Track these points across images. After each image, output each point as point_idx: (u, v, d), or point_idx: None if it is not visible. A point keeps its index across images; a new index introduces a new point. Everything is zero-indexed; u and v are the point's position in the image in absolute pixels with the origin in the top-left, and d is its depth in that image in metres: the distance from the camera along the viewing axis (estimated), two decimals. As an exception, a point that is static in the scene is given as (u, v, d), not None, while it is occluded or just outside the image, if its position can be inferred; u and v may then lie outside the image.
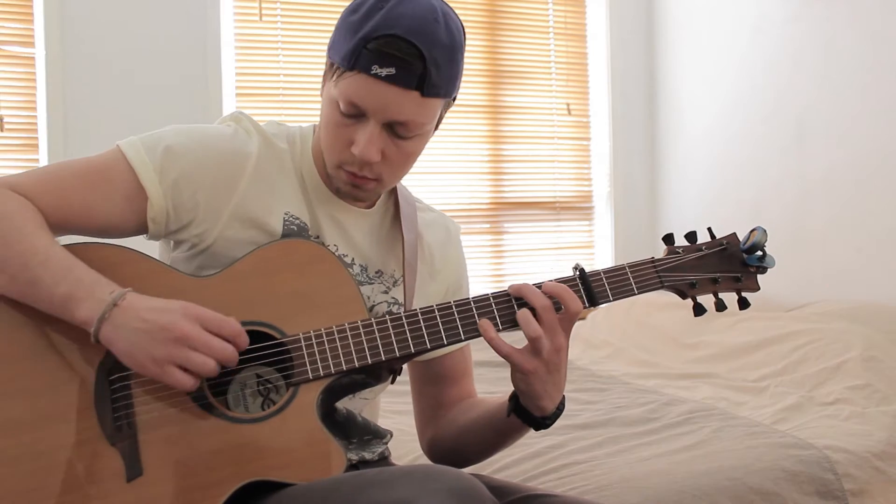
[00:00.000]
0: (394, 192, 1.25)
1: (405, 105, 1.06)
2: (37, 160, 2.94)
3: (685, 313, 2.91)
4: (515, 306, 1.10)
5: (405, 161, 1.13)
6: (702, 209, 3.54)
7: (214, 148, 1.13)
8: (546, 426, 1.15)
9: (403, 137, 1.10)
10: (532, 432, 1.19)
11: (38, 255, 1.01)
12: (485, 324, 1.08)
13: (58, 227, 1.08)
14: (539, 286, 1.09)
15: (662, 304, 3.11)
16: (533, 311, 1.07)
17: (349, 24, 1.06)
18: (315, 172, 1.19)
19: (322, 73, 1.15)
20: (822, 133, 2.97)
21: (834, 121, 2.93)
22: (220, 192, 1.12)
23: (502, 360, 1.10)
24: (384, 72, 1.03)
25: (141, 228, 1.13)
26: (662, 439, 1.90)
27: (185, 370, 0.98)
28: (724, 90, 3.44)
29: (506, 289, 1.11)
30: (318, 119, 1.21)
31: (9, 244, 1.02)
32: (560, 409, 1.14)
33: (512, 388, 1.15)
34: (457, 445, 1.28)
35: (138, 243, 1.11)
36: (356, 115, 1.08)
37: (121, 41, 3.03)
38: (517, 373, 1.09)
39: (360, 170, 1.11)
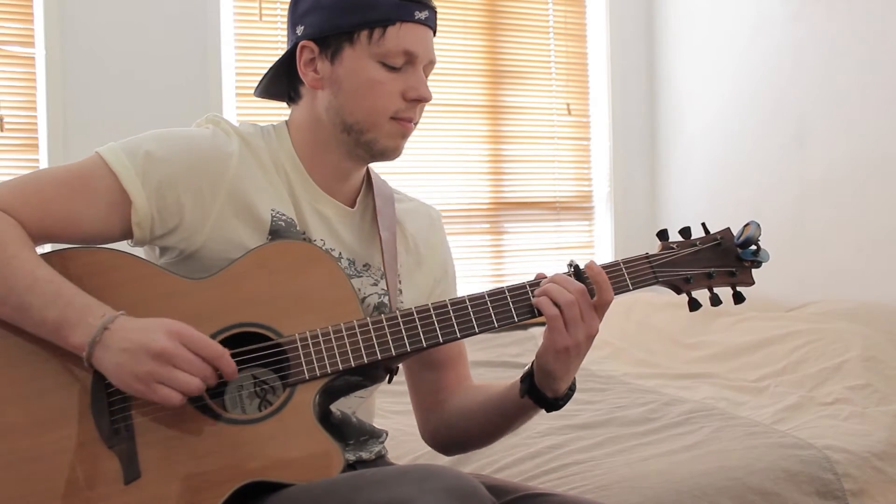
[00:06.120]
0: (371, 190, 1.26)
1: (432, 45, 1.17)
2: (37, 160, 2.94)
3: (685, 313, 2.89)
4: (510, 301, 1.10)
5: None
6: (702, 209, 3.53)
7: (196, 150, 1.13)
8: (558, 407, 1.16)
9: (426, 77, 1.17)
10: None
11: (24, 278, 1.01)
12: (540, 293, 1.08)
13: (40, 238, 1.07)
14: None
15: (662, 304, 3.11)
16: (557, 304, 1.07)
17: None
18: (300, 165, 1.19)
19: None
20: (822, 133, 2.97)
21: (834, 121, 2.92)
22: (205, 194, 1.11)
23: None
24: (423, 15, 1.13)
25: (125, 234, 1.12)
26: (662, 439, 1.90)
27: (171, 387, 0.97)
28: (724, 90, 3.43)
29: (502, 287, 1.12)
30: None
31: None
32: (571, 390, 1.16)
33: (519, 374, 1.16)
34: (461, 431, 1.28)
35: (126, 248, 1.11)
36: (403, 65, 1.13)
37: (121, 41, 3.02)
38: (550, 349, 1.09)
39: (415, 113, 1.16)
